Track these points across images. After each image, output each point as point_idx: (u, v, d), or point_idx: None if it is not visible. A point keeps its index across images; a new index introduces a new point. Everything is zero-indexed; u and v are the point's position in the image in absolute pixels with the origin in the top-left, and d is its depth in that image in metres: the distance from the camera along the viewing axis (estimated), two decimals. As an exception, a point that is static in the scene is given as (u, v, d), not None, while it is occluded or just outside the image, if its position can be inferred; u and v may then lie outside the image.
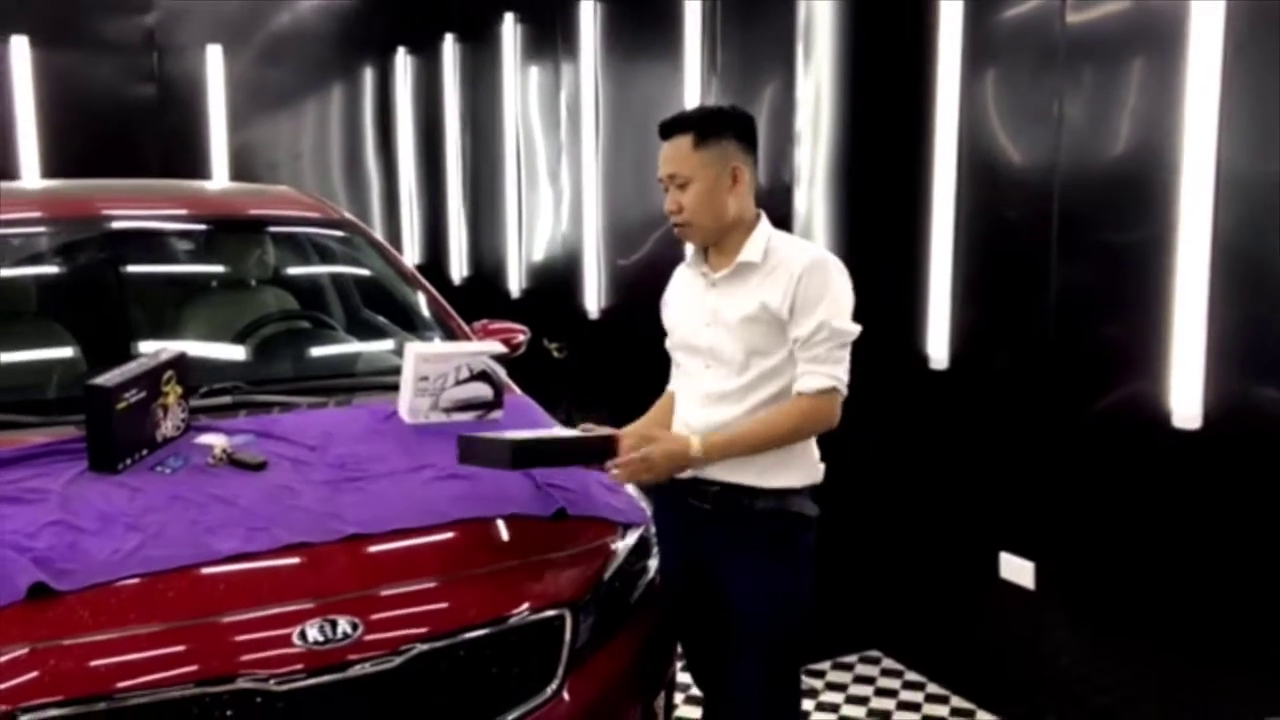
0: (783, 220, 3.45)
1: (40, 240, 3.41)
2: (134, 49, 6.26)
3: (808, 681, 3.70)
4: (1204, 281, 2.69)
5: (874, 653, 3.94)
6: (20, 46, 5.91)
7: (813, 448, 2.42)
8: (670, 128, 2.38)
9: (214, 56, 6.42)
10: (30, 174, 5.93)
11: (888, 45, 3.61)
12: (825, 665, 3.84)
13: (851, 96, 3.65)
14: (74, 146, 5.96)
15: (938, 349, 3.51)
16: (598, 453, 2.40)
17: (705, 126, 2.35)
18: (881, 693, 3.68)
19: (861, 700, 3.64)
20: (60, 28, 6.03)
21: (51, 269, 3.43)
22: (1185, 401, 2.76)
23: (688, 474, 2.40)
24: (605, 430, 2.44)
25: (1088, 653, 3.16)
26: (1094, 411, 3.04)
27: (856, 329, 2.33)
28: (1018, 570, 3.32)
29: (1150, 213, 2.81)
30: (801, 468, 2.38)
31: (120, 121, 6.21)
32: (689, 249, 2.50)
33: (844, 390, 2.31)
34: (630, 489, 2.72)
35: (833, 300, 2.30)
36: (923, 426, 3.67)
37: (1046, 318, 3.15)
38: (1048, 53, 3.08)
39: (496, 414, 2.90)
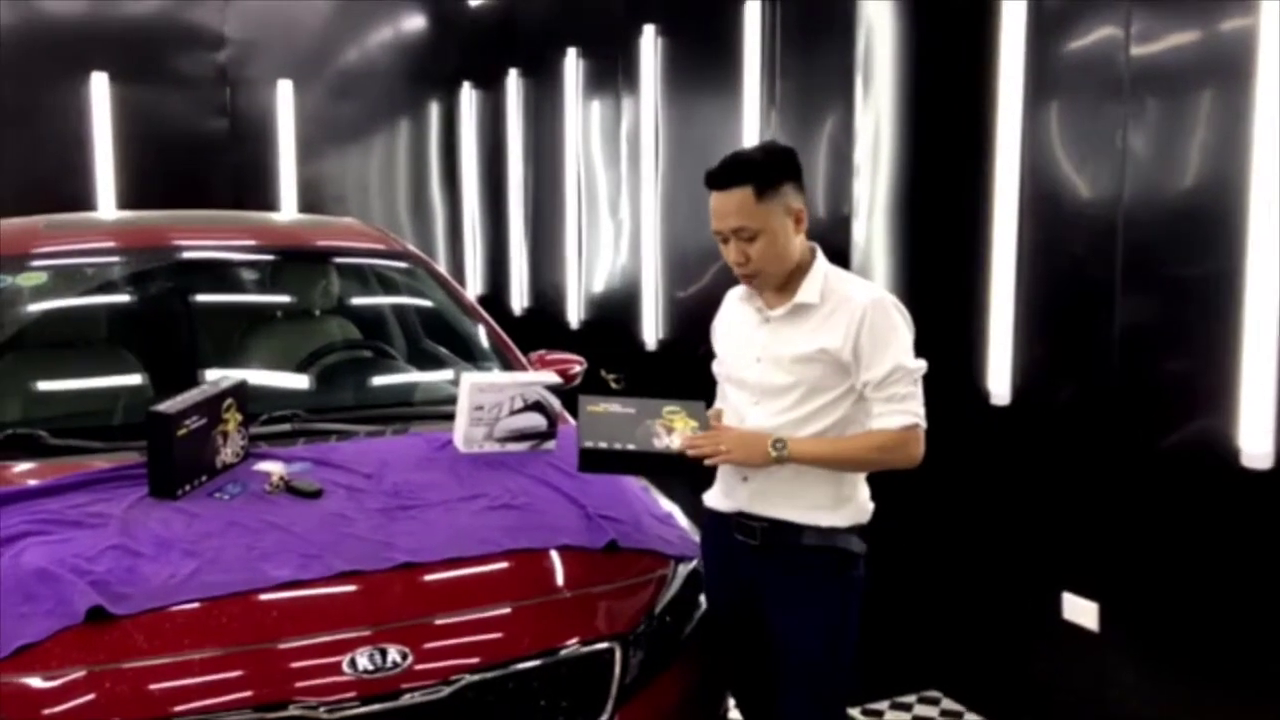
0: (840, 252, 3.43)
1: (113, 269, 3.49)
2: (207, 84, 6.42)
3: (865, 721, 3.64)
4: (1274, 316, 2.62)
5: (933, 693, 3.87)
6: (100, 83, 6.09)
7: (863, 489, 2.40)
8: (725, 179, 2.29)
9: (284, 91, 6.55)
10: (107, 205, 6.10)
11: (948, 76, 3.58)
12: (883, 705, 3.78)
13: (911, 128, 3.62)
14: (149, 178, 6.12)
15: (999, 384, 3.45)
16: (671, 466, 2.35)
17: (764, 177, 2.27)
18: (940, 734, 3.61)
19: (920, 741, 3.57)
20: (137, 64, 6.21)
21: (123, 297, 3.51)
22: (1255, 440, 2.68)
23: (734, 508, 2.39)
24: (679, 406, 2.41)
25: (1152, 697, 3.07)
26: (1160, 449, 2.96)
27: (924, 364, 2.32)
28: (1081, 611, 3.24)
29: (1218, 246, 2.75)
30: (849, 508, 2.36)
31: (193, 154, 6.36)
32: None
33: (924, 424, 2.30)
34: (683, 521, 2.71)
35: (901, 340, 2.29)
36: (983, 463, 3.60)
37: (1111, 353, 3.08)
38: (1112, 84, 3.03)
39: (550, 444, 2.91)
